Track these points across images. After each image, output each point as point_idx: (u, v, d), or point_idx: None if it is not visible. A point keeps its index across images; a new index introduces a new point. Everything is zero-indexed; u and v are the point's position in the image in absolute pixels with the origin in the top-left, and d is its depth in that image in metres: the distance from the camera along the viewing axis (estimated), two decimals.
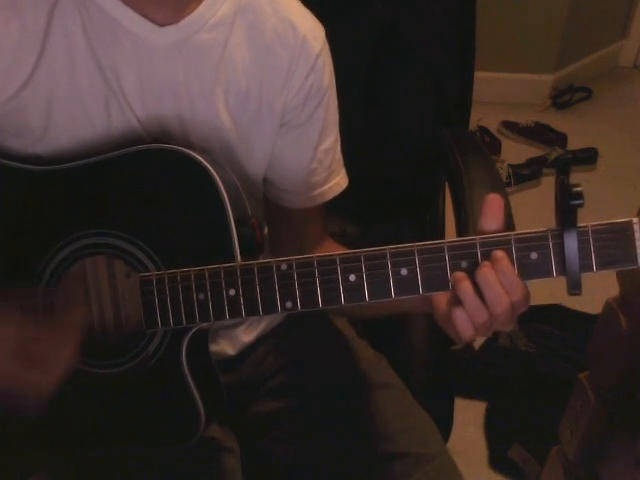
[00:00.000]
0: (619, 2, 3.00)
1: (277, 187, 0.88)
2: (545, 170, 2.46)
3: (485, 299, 0.62)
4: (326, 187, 0.88)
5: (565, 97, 2.87)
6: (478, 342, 1.76)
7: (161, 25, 0.72)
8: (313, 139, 0.84)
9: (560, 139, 2.61)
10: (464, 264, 0.63)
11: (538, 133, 2.64)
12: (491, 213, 0.64)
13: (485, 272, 0.62)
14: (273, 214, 0.91)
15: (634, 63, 3.17)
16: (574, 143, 2.59)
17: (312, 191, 0.87)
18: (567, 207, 0.60)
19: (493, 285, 0.62)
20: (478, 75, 1.29)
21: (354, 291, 0.66)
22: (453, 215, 1.11)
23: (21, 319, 0.68)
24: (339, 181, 0.90)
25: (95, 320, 0.75)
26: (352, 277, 0.65)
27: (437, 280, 0.64)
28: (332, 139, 0.87)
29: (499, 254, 0.62)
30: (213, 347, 0.82)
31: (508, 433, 1.58)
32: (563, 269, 0.61)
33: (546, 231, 0.62)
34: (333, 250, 0.67)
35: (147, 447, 0.80)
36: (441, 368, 1.11)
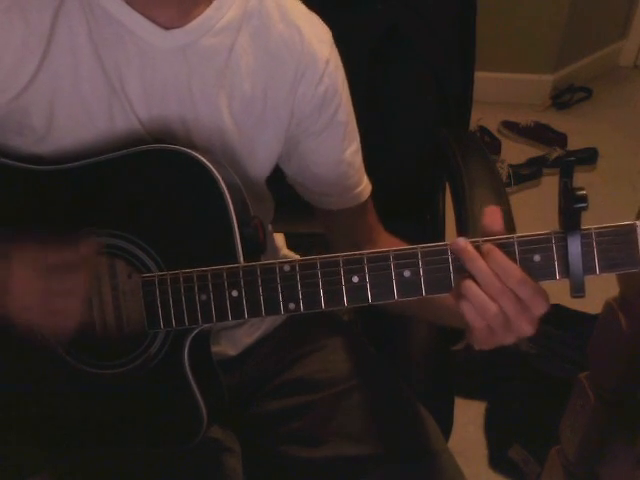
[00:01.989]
0: (619, 2, 3.00)
1: (312, 191, 0.88)
2: (545, 170, 2.46)
3: (481, 287, 0.62)
4: (360, 188, 0.89)
5: (565, 97, 2.87)
6: None
7: (167, 28, 0.72)
8: (338, 143, 0.84)
9: (560, 139, 2.61)
10: None
11: (538, 133, 2.64)
12: (491, 222, 0.64)
13: (476, 262, 0.62)
14: (319, 215, 0.92)
15: (634, 63, 3.17)
16: (574, 143, 2.59)
17: (349, 192, 0.88)
18: (571, 210, 0.60)
19: (482, 270, 0.61)
20: (478, 75, 1.29)
21: (357, 293, 0.66)
22: (453, 215, 1.11)
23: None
24: (368, 180, 0.91)
25: (97, 320, 0.75)
26: (355, 278, 0.65)
27: (440, 282, 0.64)
28: (357, 140, 0.87)
29: (487, 247, 0.62)
30: (214, 348, 0.82)
31: (508, 433, 1.58)
32: (566, 272, 0.61)
33: (549, 233, 0.62)
34: (387, 245, 0.67)
35: (149, 448, 0.80)
36: (441, 368, 1.11)
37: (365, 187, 0.89)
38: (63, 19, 0.70)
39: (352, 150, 0.86)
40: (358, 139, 0.87)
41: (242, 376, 0.93)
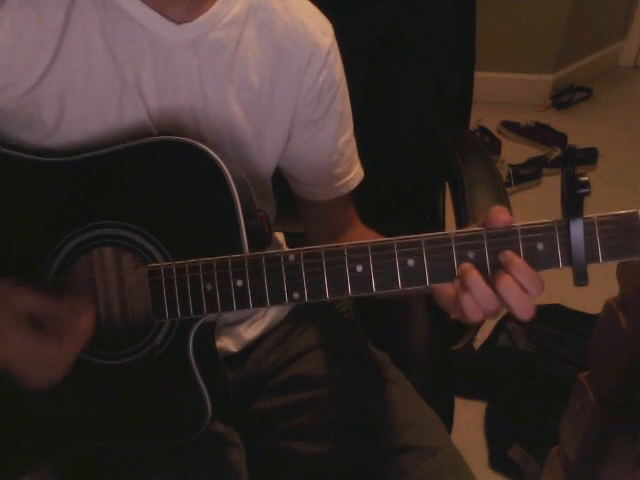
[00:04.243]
0: (619, 2, 3.01)
1: (300, 181, 0.90)
2: (545, 170, 2.46)
3: (504, 300, 0.62)
4: (349, 177, 0.90)
5: (565, 97, 2.88)
6: (478, 342, 1.76)
7: (177, 23, 0.74)
8: (332, 132, 0.86)
9: (560, 139, 2.61)
10: (471, 255, 0.63)
11: (538, 133, 2.65)
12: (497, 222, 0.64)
13: (506, 281, 0.61)
14: (300, 206, 0.93)
15: (634, 63, 3.18)
16: (574, 143, 2.59)
17: (336, 182, 0.89)
18: (574, 196, 0.60)
19: (514, 291, 0.61)
20: (478, 75, 1.30)
21: (361, 282, 0.66)
22: (453, 215, 1.11)
23: (32, 295, 0.68)
24: (359, 170, 0.92)
25: (102, 311, 0.75)
26: (359, 268, 0.65)
27: (444, 271, 0.64)
28: (350, 130, 0.89)
29: (509, 255, 0.62)
30: (216, 344, 0.82)
31: (508, 433, 1.58)
32: (569, 260, 0.62)
33: (553, 222, 0.62)
34: (364, 237, 0.67)
35: (152, 439, 0.79)
36: (441, 368, 1.11)
37: (353, 177, 0.91)
38: (76, 15, 0.71)
39: (345, 139, 0.88)
40: (351, 129, 0.89)
41: (243, 373, 0.93)
